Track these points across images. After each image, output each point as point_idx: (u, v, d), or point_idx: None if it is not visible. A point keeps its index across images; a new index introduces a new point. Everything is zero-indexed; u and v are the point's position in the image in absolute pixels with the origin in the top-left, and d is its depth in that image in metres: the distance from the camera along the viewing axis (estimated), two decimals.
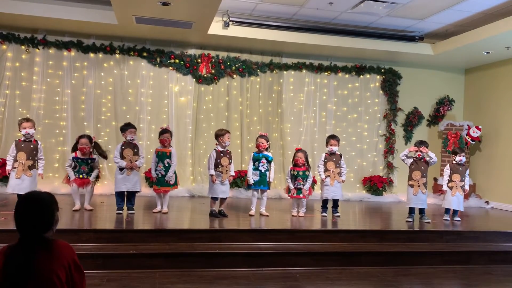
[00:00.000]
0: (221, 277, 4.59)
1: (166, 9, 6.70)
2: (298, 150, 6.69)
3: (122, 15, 7.19)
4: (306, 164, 6.60)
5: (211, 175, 6.26)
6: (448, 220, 6.92)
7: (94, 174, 6.28)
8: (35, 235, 2.17)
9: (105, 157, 6.45)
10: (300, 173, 6.53)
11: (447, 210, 7.04)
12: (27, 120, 6.13)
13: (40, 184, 6.45)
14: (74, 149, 6.22)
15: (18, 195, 5.93)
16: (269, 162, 6.51)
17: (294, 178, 6.55)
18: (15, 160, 5.98)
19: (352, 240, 5.65)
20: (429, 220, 6.64)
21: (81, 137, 6.25)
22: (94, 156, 6.30)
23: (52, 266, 2.11)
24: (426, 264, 5.40)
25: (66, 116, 8.45)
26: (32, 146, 6.06)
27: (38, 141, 6.24)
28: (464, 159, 7.02)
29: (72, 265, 2.19)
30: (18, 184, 5.91)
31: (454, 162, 7.07)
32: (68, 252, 2.20)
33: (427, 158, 6.68)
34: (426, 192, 6.72)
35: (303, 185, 6.51)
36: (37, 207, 2.20)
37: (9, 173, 6.01)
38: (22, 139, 6.07)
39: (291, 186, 6.54)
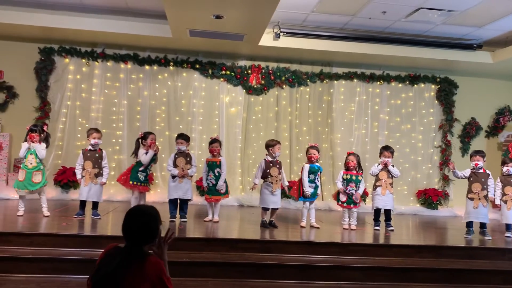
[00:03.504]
0: None
1: (219, 22, 6.84)
2: (350, 154, 6.58)
3: (177, 28, 7.41)
4: (358, 169, 6.46)
5: (255, 184, 6.35)
6: (510, 237, 6.53)
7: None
8: (137, 246, 2.35)
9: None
10: (353, 177, 6.40)
11: (508, 226, 6.64)
12: (97, 131, 6.41)
13: None
14: (138, 145, 6.55)
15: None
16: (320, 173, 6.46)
17: (346, 183, 6.43)
18: (83, 169, 6.25)
19: (406, 255, 5.44)
20: (490, 237, 6.31)
21: (149, 133, 6.61)
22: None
23: (136, 282, 2.26)
24: (487, 283, 5.11)
25: (122, 126, 8.79)
26: (97, 155, 6.30)
27: (103, 150, 6.48)
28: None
29: (158, 282, 2.31)
30: (87, 192, 6.19)
31: (503, 174, 6.69)
32: (157, 270, 2.32)
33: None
34: (488, 205, 6.39)
35: (356, 190, 6.37)
36: (143, 221, 2.39)
37: (80, 181, 6.28)
38: (89, 148, 6.32)
39: (340, 186, 6.40)
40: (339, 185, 6.46)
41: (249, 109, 9.18)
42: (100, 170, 6.27)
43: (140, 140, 6.57)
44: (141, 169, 6.42)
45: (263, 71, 9.13)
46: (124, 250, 2.35)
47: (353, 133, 9.43)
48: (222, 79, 9.04)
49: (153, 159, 6.54)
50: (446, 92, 9.54)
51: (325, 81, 9.35)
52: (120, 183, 6.66)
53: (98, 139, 6.32)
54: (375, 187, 6.71)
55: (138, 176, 6.41)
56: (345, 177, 6.44)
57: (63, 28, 7.79)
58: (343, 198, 6.43)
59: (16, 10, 7.58)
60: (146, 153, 6.41)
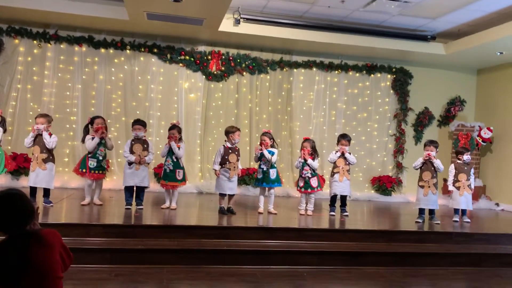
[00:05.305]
0: (229, 274, 4.60)
1: (177, 6, 6.70)
2: (304, 140, 6.66)
3: (134, 11, 7.20)
4: (313, 153, 6.55)
5: (214, 170, 6.32)
6: (457, 221, 6.86)
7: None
8: (21, 230, 2.24)
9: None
10: (308, 161, 6.47)
11: (456, 211, 6.97)
12: (41, 116, 6.14)
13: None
14: (86, 131, 6.29)
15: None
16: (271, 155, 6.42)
17: (302, 167, 6.50)
18: (32, 154, 6.00)
19: (360, 240, 5.61)
20: (439, 221, 6.59)
21: (96, 117, 6.35)
22: (108, 137, 6.36)
23: (49, 255, 2.22)
24: (435, 266, 5.37)
25: (76, 111, 8.50)
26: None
27: (53, 134, 6.20)
28: (470, 158, 6.99)
29: (63, 250, 2.32)
30: (35, 177, 5.93)
31: (459, 161, 7.01)
32: (58, 238, 2.31)
33: (435, 165, 6.59)
34: (437, 192, 6.67)
35: (311, 175, 6.44)
36: (13, 204, 2.25)
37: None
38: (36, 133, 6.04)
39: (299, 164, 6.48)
40: (299, 166, 6.52)
41: (209, 96, 9.08)
42: (50, 156, 6.05)
43: (89, 126, 6.34)
44: (89, 155, 6.20)
45: (223, 57, 9.05)
46: (14, 239, 2.21)
47: (311, 121, 9.54)
48: (181, 64, 8.88)
49: (102, 144, 6.25)
50: (401, 82, 9.81)
51: (285, 69, 9.38)
52: (75, 172, 6.44)
53: (41, 124, 6.01)
54: (333, 174, 6.85)
55: (87, 163, 6.18)
56: (300, 160, 6.50)
57: (13, 6, 7.36)
58: (300, 183, 6.53)
59: None
60: (93, 138, 6.19)
